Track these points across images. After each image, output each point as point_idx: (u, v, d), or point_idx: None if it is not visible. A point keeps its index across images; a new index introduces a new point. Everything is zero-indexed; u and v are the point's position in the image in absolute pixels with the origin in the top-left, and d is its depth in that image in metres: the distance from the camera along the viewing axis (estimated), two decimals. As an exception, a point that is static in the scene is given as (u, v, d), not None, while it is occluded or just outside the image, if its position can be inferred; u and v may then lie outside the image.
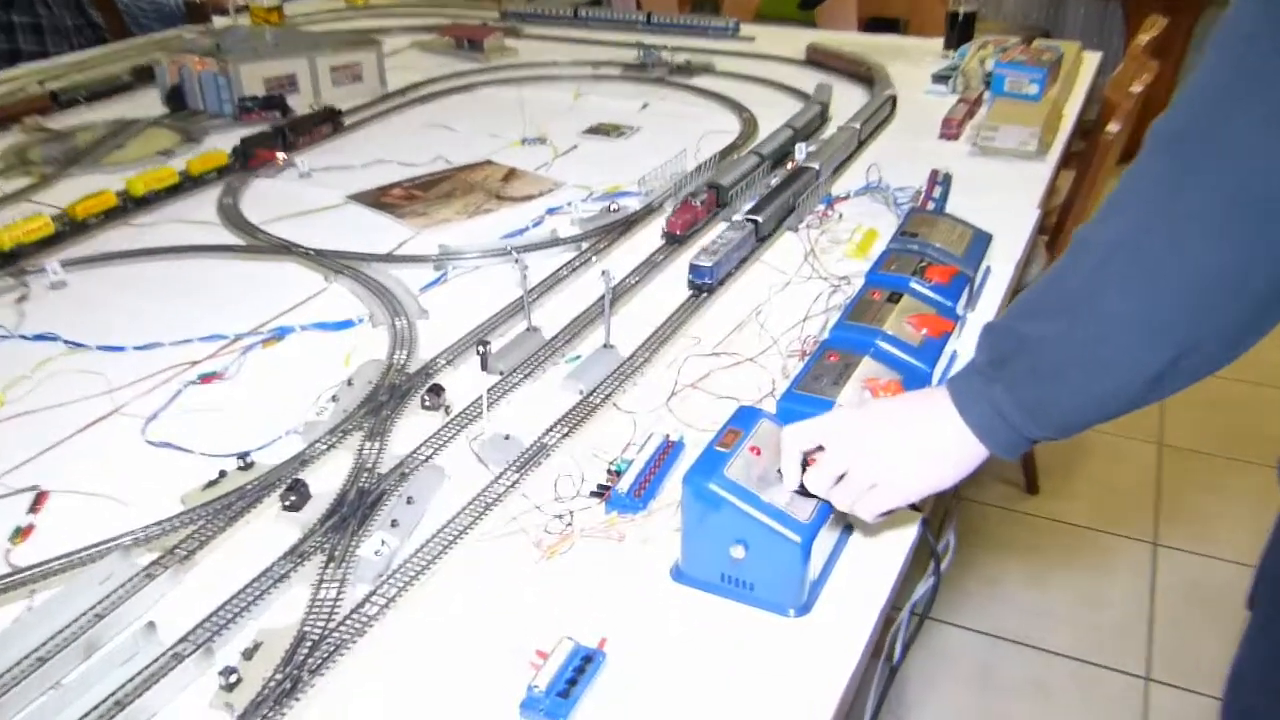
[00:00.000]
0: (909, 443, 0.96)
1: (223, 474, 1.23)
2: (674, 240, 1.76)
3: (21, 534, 1.12)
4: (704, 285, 1.57)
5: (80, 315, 1.65)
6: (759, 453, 1.06)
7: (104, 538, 1.11)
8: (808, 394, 1.20)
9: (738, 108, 2.62)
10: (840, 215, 1.93)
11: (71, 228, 1.91)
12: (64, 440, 1.30)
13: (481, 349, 1.36)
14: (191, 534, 1.12)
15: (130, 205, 2.04)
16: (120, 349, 1.55)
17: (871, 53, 2.90)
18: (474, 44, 3.13)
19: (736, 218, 1.77)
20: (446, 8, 3.73)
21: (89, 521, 1.14)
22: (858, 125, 2.28)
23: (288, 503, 1.18)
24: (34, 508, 1.16)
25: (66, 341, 1.56)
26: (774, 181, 1.91)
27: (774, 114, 2.48)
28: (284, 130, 2.34)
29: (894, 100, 2.55)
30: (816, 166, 1.94)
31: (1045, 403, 0.89)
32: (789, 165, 2.14)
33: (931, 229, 1.56)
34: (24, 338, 1.57)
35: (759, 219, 1.72)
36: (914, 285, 1.42)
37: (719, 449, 1.05)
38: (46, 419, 1.36)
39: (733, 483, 1.01)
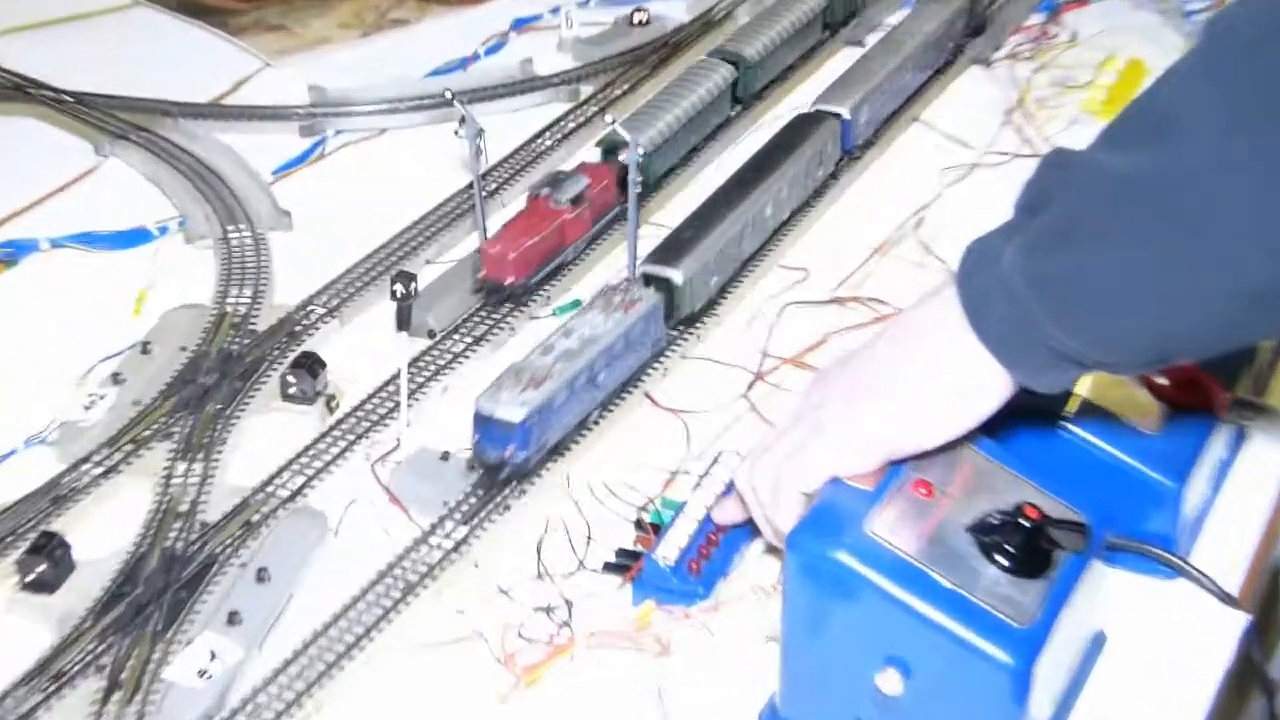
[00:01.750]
0: (878, 356, 1.07)
1: (-91, 518, 1.25)
2: (504, 298, 1.52)
3: None
4: (504, 465, 1.29)
5: None
6: (929, 491, 1.05)
7: None
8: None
9: None
10: (1074, 35, 1.91)
11: None
12: None
13: (398, 290, 1.34)
14: None
15: None
16: None
17: None
18: None
19: (621, 279, 1.46)
20: None
21: None
22: None
23: (31, 576, 1.17)
24: None
25: None
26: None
27: None
28: None
29: None
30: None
31: (1072, 279, 0.94)
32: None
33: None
34: None
35: (675, 275, 1.44)
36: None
37: (854, 484, 1.05)
38: None
39: (881, 548, 1.01)
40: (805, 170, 1.64)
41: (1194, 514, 1.20)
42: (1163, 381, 1.20)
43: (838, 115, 1.69)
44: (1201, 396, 1.21)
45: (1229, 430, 1.25)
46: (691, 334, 1.46)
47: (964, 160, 1.66)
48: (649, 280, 1.44)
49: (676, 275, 1.44)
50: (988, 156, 1.67)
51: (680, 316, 1.46)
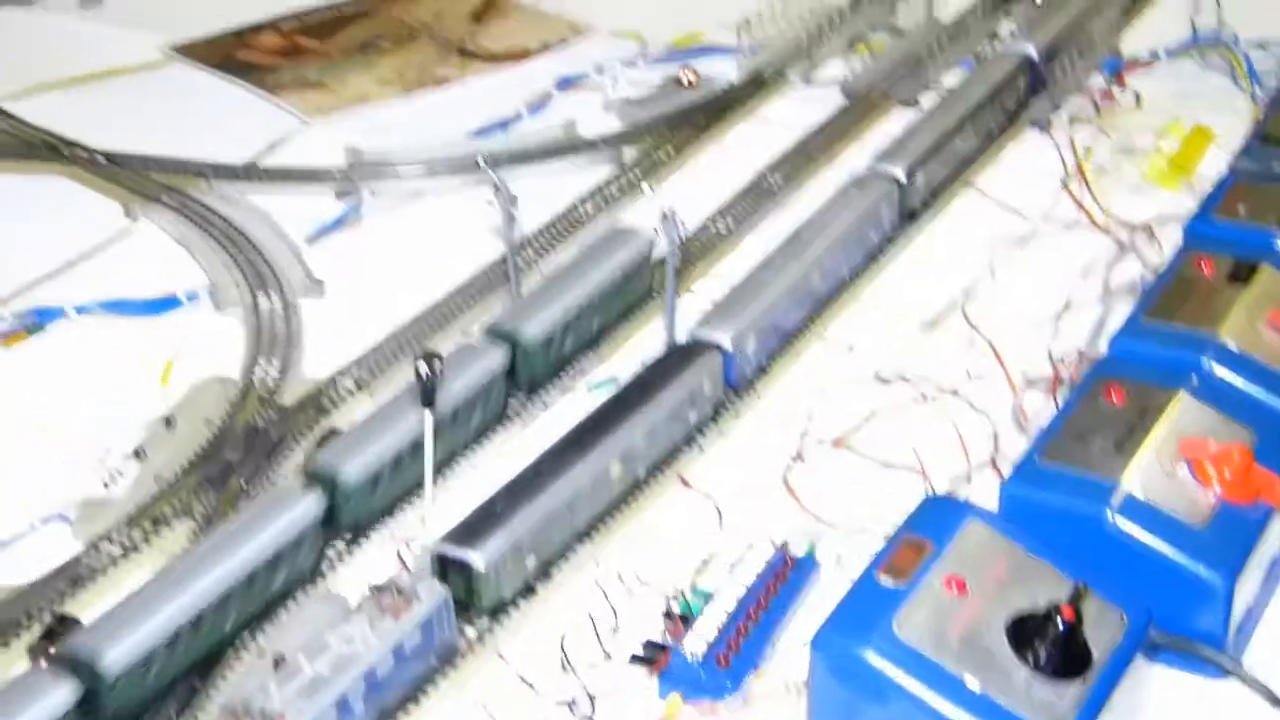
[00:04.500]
0: None
1: (-77, 599, 1.25)
2: None
3: None
4: None
5: None
6: (964, 589, 1.06)
7: None
8: (1063, 468, 1.20)
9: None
10: (1137, 97, 1.90)
11: None
12: None
13: (423, 369, 1.33)
14: None
15: None
16: None
17: None
18: None
19: None
20: None
21: None
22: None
23: (49, 660, 1.14)
24: None
25: None
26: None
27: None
28: None
29: None
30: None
31: None
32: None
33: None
34: None
35: (477, 560, 1.19)
36: (1284, 248, 1.41)
37: (884, 580, 1.06)
38: None
39: (910, 649, 1.02)
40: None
41: (1245, 611, 1.19)
42: (1213, 472, 1.20)
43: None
44: (1256, 488, 1.20)
45: (1285, 522, 1.24)
46: (729, 410, 1.45)
47: (1016, 231, 1.67)
48: (444, 565, 1.22)
49: (479, 560, 1.21)
50: (1040, 227, 1.67)
51: (483, 609, 1.23)
